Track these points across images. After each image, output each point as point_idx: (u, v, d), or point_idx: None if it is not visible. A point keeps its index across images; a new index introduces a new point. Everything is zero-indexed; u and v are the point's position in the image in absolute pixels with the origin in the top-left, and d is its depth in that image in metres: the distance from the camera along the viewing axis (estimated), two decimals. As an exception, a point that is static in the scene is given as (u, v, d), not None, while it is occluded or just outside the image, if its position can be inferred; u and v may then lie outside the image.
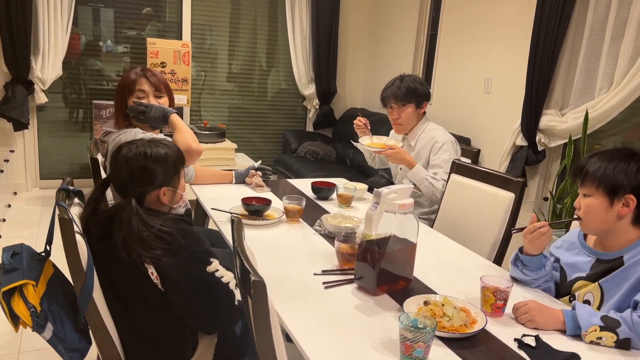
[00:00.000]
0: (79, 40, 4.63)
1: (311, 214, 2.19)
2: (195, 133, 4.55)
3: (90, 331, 1.38)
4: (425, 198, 2.59)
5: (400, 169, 2.70)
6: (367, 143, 2.60)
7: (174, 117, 2.11)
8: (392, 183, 2.96)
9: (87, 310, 1.31)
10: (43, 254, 1.41)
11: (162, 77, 2.20)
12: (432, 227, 2.39)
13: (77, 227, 1.31)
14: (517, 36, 3.50)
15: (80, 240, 1.30)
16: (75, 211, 1.47)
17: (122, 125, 2.14)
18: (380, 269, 1.50)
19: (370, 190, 2.50)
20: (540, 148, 3.33)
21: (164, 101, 2.16)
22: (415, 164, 2.53)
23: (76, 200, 1.53)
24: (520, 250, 1.63)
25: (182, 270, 1.41)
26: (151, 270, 1.41)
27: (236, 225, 1.28)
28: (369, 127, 2.68)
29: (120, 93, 2.13)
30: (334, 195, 2.44)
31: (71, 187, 1.51)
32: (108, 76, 4.76)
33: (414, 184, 2.52)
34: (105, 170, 2.11)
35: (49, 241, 1.39)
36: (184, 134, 2.07)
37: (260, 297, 1.04)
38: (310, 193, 2.49)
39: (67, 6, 4.27)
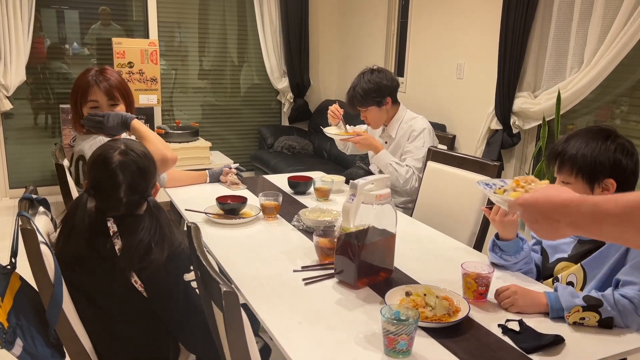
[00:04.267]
0: (43, 43, 4.49)
1: (289, 209, 2.15)
2: (167, 133, 4.48)
3: (63, 345, 1.33)
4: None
5: None
6: (335, 131, 2.62)
7: (136, 124, 2.00)
8: (371, 173, 2.95)
9: (57, 323, 1.26)
10: (8, 267, 1.35)
11: (118, 80, 2.04)
12: (411, 216, 2.37)
13: (41, 237, 1.26)
14: (486, 20, 3.49)
15: (45, 250, 1.24)
16: (40, 220, 1.41)
17: (80, 130, 2.05)
18: (360, 261, 1.48)
19: (347, 182, 2.48)
20: (515, 131, 3.34)
21: (120, 108, 2.04)
22: (382, 149, 2.53)
23: (41, 209, 1.47)
24: (497, 236, 1.62)
25: (163, 274, 1.37)
26: (134, 279, 1.37)
27: (194, 232, 1.21)
28: (342, 118, 2.68)
29: (74, 99, 2.02)
30: (312, 190, 2.41)
31: (34, 196, 1.45)
32: (75, 79, 4.63)
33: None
34: (71, 175, 2.04)
35: (14, 254, 1.33)
36: (155, 142, 1.98)
37: (233, 309, 0.98)
38: (287, 188, 2.46)
39: (27, 9, 4.13)
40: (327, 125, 2.75)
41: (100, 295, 1.41)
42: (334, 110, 2.67)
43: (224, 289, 0.98)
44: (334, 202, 2.32)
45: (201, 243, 1.18)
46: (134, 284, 1.37)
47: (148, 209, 1.42)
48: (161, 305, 1.40)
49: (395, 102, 2.64)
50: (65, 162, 2.03)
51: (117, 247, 1.37)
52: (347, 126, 2.68)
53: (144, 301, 1.39)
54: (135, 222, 1.40)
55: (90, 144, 1.92)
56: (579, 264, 1.51)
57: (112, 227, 1.39)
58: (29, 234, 1.21)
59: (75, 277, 1.38)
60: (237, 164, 2.58)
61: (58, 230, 1.42)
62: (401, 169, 2.49)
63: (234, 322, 1.00)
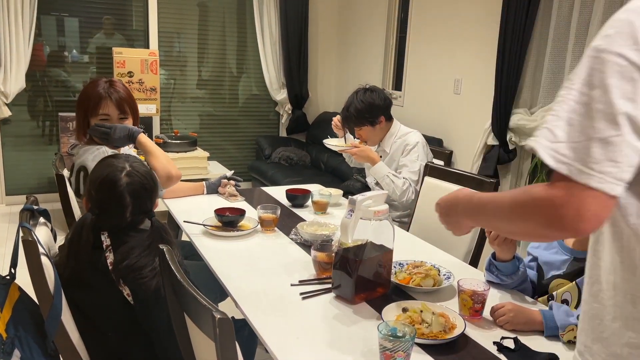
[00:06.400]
0: (42, 50, 4.51)
1: (287, 222, 2.16)
2: (165, 142, 4.49)
3: (60, 356, 1.33)
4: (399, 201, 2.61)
5: None
6: (334, 143, 2.68)
7: (143, 138, 2.02)
8: (368, 187, 2.97)
9: (56, 334, 1.26)
10: (7, 277, 1.35)
11: (126, 92, 2.06)
12: (407, 231, 2.39)
13: (42, 248, 1.27)
14: (484, 37, 3.54)
15: (46, 262, 1.25)
16: (40, 231, 1.41)
17: (82, 139, 2.05)
18: (358, 276, 1.49)
19: (345, 195, 2.50)
20: (511, 147, 3.37)
21: (128, 122, 2.06)
22: (379, 161, 2.56)
23: (41, 219, 1.48)
24: (493, 256, 1.63)
25: (156, 289, 1.38)
26: (127, 292, 1.37)
27: (167, 254, 1.18)
28: (346, 130, 2.71)
29: (83, 110, 2.02)
30: (309, 202, 2.42)
31: (36, 207, 1.46)
32: (74, 87, 4.65)
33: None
34: (71, 185, 2.04)
35: (14, 264, 1.34)
36: (160, 158, 2.01)
37: (228, 337, 0.96)
38: (285, 201, 2.47)
39: (29, 17, 4.16)
40: (325, 137, 2.80)
41: (95, 310, 1.41)
42: (337, 123, 2.73)
43: (218, 317, 0.95)
44: (332, 215, 2.33)
45: (178, 265, 1.16)
46: (127, 297, 1.37)
47: (152, 228, 1.42)
48: (146, 319, 1.41)
49: (389, 119, 2.67)
50: (65, 172, 2.04)
51: (109, 261, 1.38)
52: (349, 136, 2.73)
53: (133, 316, 1.39)
54: (131, 237, 1.41)
55: (94, 156, 1.93)
56: (574, 282, 1.52)
57: (106, 240, 1.40)
58: (30, 245, 1.22)
59: (75, 294, 1.38)
60: (232, 171, 2.59)
61: (64, 251, 1.42)
62: (398, 181, 2.51)
63: (229, 351, 0.98)
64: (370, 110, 2.57)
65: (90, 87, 2.02)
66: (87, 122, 2.02)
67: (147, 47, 4.70)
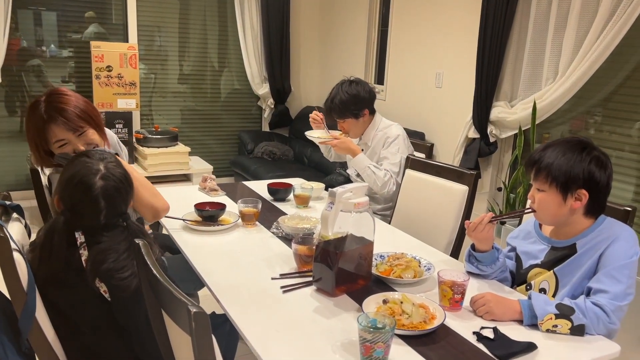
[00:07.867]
0: (19, 45, 4.42)
1: (268, 216, 2.15)
2: (145, 137, 4.43)
3: (35, 354, 1.31)
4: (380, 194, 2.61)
5: None
6: (315, 135, 2.64)
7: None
8: (350, 180, 2.97)
9: (29, 332, 1.24)
10: (-21, 274, 1.32)
11: (74, 105, 1.71)
12: (389, 223, 2.39)
13: (14, 244, 1.24)
14: (465, 30, 3.55)
15: (19, 258, 1.22)
16: (13, 227, 1.38)
17: (48, 163, 1.81)
18: (339, 269, 1.49)
19: (327, 189, 2.49)
20: (492, 140, 3.39)
21: (90, 133, 1.74)
22: (360, 153, 2.55)
23: (14, 215, 1.44)
24: (473, 247, 1.64)
25: (135, 289, 1.36)
26: (103, 289, 1.35)
27: (144, 249, 1.16)
28: (325, 123, 2.69)
29: (34, 144, 1.74)
30: (291, 196, 2.41)
31: (8, 202, 1.43)
32: (52, 82, 4.57)
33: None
34: (50, 185, 1.99)
35: (-15, 261, 1.31)
36: (141, 194, 1.71)
37: (204, 331, 0.95)
38: (266, 195, 2.45)
39: (4, 11, 4.06)
40: (307, 131, 2.77)
41: (70, 307, 1.39)
42: (314, 116, 2.70)
43: (194, 310, 0.94)
44: (314, 209, 2.32)
45: (154, 260, 1.14)
46: (104, 294, 1.35)
47: (129, 231, 1.40)
48: (123, 316, 1.39)
49: (373, 113, 2.66)
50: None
51: (83, 258, 1.35)
52: (329, 131, 2.70)
53: (110, 313, 1.38)
54: (106, 238, 1.39)
55: None
56: (551, 271, 1.54)
57: (80, 237, 1.37)
58: (1, 242, 1.19)
59: (49, 291, 1.36)
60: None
61: (36, 253, 1.38)
62: (379, 172, 2.50)
63: (205, 345, 0.97)
64: (355, 102, 2.56)
65: (32, 114, 1.72)
66: (45, 150, 1.76)
67: (127, 41, 4.64)
